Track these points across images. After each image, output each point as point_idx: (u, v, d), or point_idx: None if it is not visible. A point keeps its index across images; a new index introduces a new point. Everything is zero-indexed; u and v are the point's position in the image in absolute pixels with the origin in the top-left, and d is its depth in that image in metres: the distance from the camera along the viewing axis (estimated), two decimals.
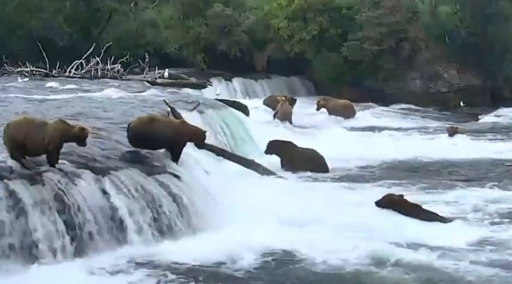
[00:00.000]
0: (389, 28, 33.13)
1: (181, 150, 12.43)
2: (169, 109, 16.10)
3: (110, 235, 10.23)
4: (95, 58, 32.02)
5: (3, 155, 10.29)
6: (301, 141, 18.09)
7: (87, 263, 9.60)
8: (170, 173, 11.85)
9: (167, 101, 16.86)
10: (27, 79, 27.68)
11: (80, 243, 9.80)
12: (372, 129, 24.96)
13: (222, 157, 15.57)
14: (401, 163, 18.68)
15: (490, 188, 15.33)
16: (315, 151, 17.30)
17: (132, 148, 12.23)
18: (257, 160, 16.11)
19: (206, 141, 13.94)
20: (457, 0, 35.10)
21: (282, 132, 21.52)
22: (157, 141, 12.13)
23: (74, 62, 31.73)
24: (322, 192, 14.69)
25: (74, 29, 38.14)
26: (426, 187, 15.56)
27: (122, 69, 31.94)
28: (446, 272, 9.97)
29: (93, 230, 10.01)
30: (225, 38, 36.31)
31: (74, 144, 10.74)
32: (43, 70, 31.13)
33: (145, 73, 32.30)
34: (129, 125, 12.42)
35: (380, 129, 25.08)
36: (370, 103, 31.97)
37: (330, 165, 17.22)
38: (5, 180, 9.56)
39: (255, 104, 26.77)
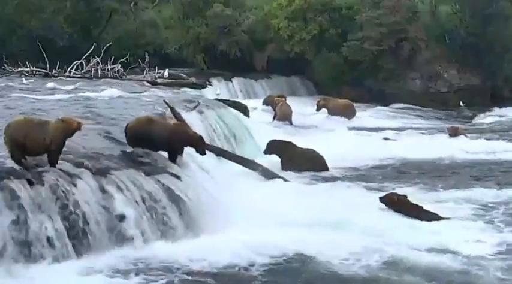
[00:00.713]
0: (389, 28, 33.13)
1: (177, 152, 12.38)
2: (169, 109, 16.09)
3: (110, 236, 10.21)
4: (95, 58, 32.05)
5: (3, 155, 10.28)
6: (301, 141, 18.10)
7: (87, 264, 9.59)
8: (170, 173, 11.83)
9: (167, 101, 16.85)
10: (33, 80, 27.70)
11: (79, 243, 9.79)
12: (371, 129, 24.94)
13: (222, 158, 15.57)
14: (401, 163, 18.68)
15: (490, 188, 15.30)
16: (314, 151, 17.30)
17: (132, 148, 12.22)
18: (257, 160, 16.11)
19: (206, 142, 13.97)
20: (457, 0, 35.09)
21: (282, 132, 21.53)
22: (154, 142, 12.11)
23: (74, 62, 31.76)
24: (322, 192, 14.70)
25: (74, 29, 38.16)
26: (426, 187, 15.55)
27: (122, 69, 31.97)
28: (448, 272, 9.98)
29: (92, 230, 10.00)
30: (225, 38, 36.31)
31: (74, 144, 10.73)
32: (43, 70, 31.16)
33: (145, 73, 32.34)
34: (127, 125, 12.41)
35: (380, 129, 25.07)
36: (370, 104, 31.96)
37: (329, 165, 17.22)
38: (5, 180, 9.55)
39: (255, 104, 26.77)
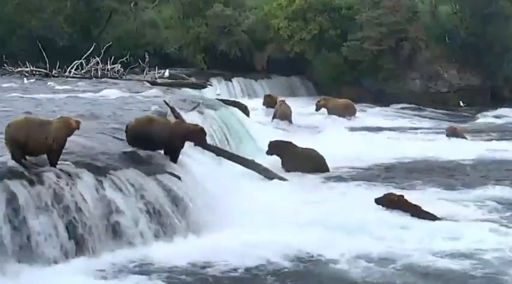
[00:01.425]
0: (389, 28, 33.13)
1: (179, 150, 12.40)
2: (169, 109, 16.10)
3: (110, 236, 10.22)
4: (95, 58, 32.05)
5: (3, 155, 10.28)
6: (301, 141, 18.09)
7: (87, 264, 9.60)
8: (170, 173, 11.83)
9: (167, 101, 16.86)
10: (34, 80, 27.70)
11: (79, 243, 9.79)
12: (371, 129, 24.95)
13: (222, 158, 15.57)
14: (401, 163, 18.67)
15: (489, 188, 15.30)
16: (315, 151, 17.30)
17: (132, 148, 12.22)
18: (257, 160, 16.11)
19: (206, 142, 13.96)
20: (457, 0, 35.10)
21: (281, 132, 21.54)
22: (155, 142, 12.12)
23: (74, 62, 31.77)
24: (322, 192, 14.71)
25: (74, 29, 38.18)
26: (425, 187, 15.54)
27: (122, 69, 31.99)
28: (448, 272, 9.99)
29: (92, 230, 10.00)
30: (225, 38, 36.31)
31: (74, 144, 10.72)
32: (43, 70, 31.17)
33: (145, 73, 32.34)
34: (127, 126, 12.41)
35: (380, 129, 25.09)
36: (370, 103, 31.96)
37: (330, 165, 17.21)
38: (5, 180, 9.55)
39: (255, 104, 26.76)
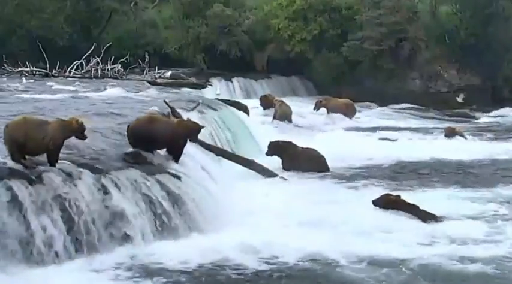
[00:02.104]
0: (389, 28, 33.13)
1: (181, 150, 12.42)
2: (169, 109, 16.11)
3: (110, 235, 10.22)
4: (95, 58, 32.08)
5: (3, 155, 10.28)
6: (301, 141, 18.09)
7: (87, 263, 9.60)
8: (170, 173, 11.84)
9: (167, 101, 16.86)
10: (33, 81, 27.68)
11: (79, 243, 9.79)
12: (371, 129, 24.95)
13: (222, 157, 15.57)
14: (401, 163, 18.67)
15: (489, 188, 15.31)
16: (315, 150, 17.30)
17: (133, 148, 12.22)
18: (257, 160, 16.11)
19: (207, 141, 13.99)
20: (457, 0, 35.10)
21: (282, 132, 21.53)
22: (157, 142, 12.13)
23: (74, 62, 31.80)
24: (323, 192, 14.71)
25: (74, 29, 38.21)
26: (425, 187, 15.55)
27: (122, 69, 32.04)
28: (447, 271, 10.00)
29: (92, 230, 10.00)
30: (225, 38, 36.31)
31: (74, 144, 10.72)
32: (43, 70, 31.21)
33: (145, 73, 32.38)
34: (128, 126, 12.41)
35: (379, 129, 25.07)
36: (370, 103, 31.96)
37: (330, 165, 17.22)
38: (5, 180, 9.55)
39: (255, 104, 26.76)
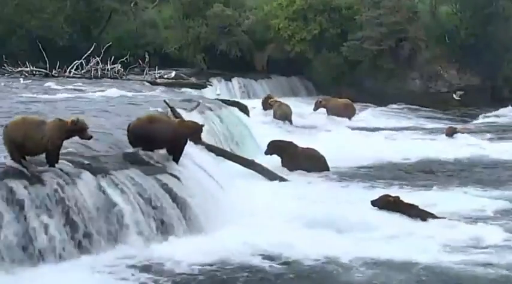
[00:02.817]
0: (389, 28, 33.11)
1: (182, 149, 12.43)
2: (169, 109, 16.11)
3: (110, 235, 10.22)
4: (95, 58, 32.07)
5: (3, 155, 10.28)
6: (302, 141, 18.09)
7: (87, 263, 9.60)
8: (170, 173, 11.84)
9: (167, 101, 16.87)
10: (30, 81, 27.63)
11: (80, 243, 9.80)
12: (371, 129, 24.95)
13: (222, 157, 15.57)
14: (401, 163, 18.68)
15: (489, 188, 15.31)
16: (315, 150, 17.30)
17: (132, 148, 12.22)
18: (257, 160, 16.11)
19: (207, 141, 13.98)
20: (457, 0, 35.09)
21: (282, 132, 21.54)
22: (157, 141, 12.13)
23: (74, 62, 31.78)
24: (322, 192, 14.71)
25: (74, 29, 38.19)
26: (425, 187, 15.55)
27: (122, 69, 32.02)
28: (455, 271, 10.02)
29: (93, 230, 10.01)
30: (225, 38, 36.30)
31: (73, 144, 10.71)
32: (43, 70, 31.19)
33: (145, 73, 32.37)
34: (129, 126, 12.41)
35: (380, 129, 25.08)
36: (369, 103, 31.96)
37: (330, 165, 17.21)
38: (5, 180, 9.56)
39: (255, 104, 26.76)
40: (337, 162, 17.67)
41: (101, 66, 31.68)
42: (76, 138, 10.72)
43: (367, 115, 29.19)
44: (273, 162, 16.72)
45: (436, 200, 13.97)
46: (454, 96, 33.20)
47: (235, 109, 21.28)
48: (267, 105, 26.34)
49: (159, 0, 41.76)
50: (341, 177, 16.60)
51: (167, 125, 12.39)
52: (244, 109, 22.20)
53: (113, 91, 22.59)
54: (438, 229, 11.87)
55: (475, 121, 29.03)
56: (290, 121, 24.68)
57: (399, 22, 33.28)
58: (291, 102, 27.29)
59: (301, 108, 28.07)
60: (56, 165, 10.31)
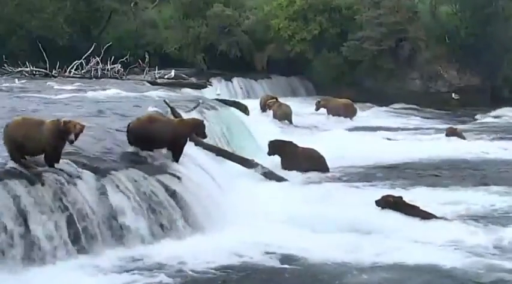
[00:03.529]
0: (389, 28, 33.14)
1: (182, 149, 12.43)
2: (169, 109, 16.11)
3: (110, 235, 10.22)
4: (95, 58, 32.08)
5: (3, 155, 10.29)
6: (302, 141, 18.09)
7: (87, 263, 9.60)
8: (170, 173, 11.84)
9: (167, 101, 16.87)
10: (25, 81, 27.54)
11: (80, 243, 9.79)
12: (371, 129, 24.95)
13: (222, 157, 15.57)
14: (401, 163, 18.64)
15: (489, 188, 15.30)
16: (315, 150, 17.29)
17: (132, 148, 12.23)
18: (257, 160, 16.11)
19: (207, 142, 13.98)
20: (457, 0, 35.11)
21: (281, 132, 21.54)
22: (157, 141, 12.14)
23: (74, 62, 31.80)
24: (322, 192, 14.70)
25: (74, 29, 38.24)
26: (424, 187, 15.53)
27: (122, 69, 32.03)
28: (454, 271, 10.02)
29: (93, 230, 10.01)
30: (225, 38, 36.33)
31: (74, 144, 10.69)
32: (43, 70, 31.21)
33: (145, 73, 32.39)
34: (128, 125, 12.42)
35: (380, 129, 25.08)
36: (369, 104, 31.97)
37: (329, 165, 17.21)
38: (5, 180, 9.56)
39: (255, 104, 26.76)
40: (337, 162, 17.66)
41: (101, 66, 31.70)
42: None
43: (367, 115, 29.21)
44: (273, 162, 16.71)
45: (436, 200, 13.95)
46: (453, 95, 33.23)
47: (235, 110, 21.28)
48: (264, 106, 26.31)
49: (159, 0, 41.79)
50: (340, 177, 16.58)
51: (167, 125, 12.39)
52: (244, 109, 22.20)
53: (113, 92, 22.58)
54: (439, 230, 11.85)
55: (475, 121, 29.03)
56: (290, 121, 24.68)
57: (399, 22, 33.32)
58: (291, 102, 27.28)
59: (301, 108, 28.07)
60: (56, 165, 10.31)
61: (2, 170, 9.88)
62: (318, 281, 9.73)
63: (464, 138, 22.55)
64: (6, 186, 9.46)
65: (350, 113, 27.52)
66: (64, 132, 10.08)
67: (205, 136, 13.33)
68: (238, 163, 15.81)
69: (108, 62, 31.94)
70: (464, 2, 34.61)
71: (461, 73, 34.46)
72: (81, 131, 10.22)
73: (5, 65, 31.94)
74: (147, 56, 34.98)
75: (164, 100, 17.11)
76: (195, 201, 11.60)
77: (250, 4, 39.84)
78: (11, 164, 10.05)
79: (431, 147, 20.99)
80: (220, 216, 11.73)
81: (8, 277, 8.77)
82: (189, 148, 13.11)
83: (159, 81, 30.16)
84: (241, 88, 34.08)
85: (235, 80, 34.52)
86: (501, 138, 23.24)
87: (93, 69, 31.59)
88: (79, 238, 9.80)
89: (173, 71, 32.30)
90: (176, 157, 12.29)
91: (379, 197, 13.12)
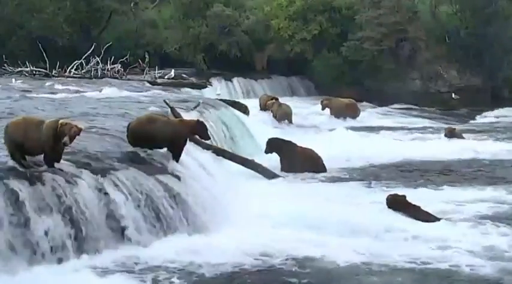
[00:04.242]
0: (389, 28, 33.16)
1: (182, 149, 12.43)
2: (169, 109, 16.12)
3: (110, 235, 10.21)
4: (95, 58, 32.10)
5: (3, 155, 10.29)
6: (302, 141, 18.08)
7: (87, 263, 9.59)
8: (170, 173, 11.84)
9: (167, 101, 16.87)
10: (21, 81, 27.48)
11: (80, 243, 9.79)
12: (371, 129, 24.96)
13: (222, 157, 15.57)
14: (400, 163, 18.66)
15: (489, 188, 15.30)
16: (313, 151, 17.28)
17: (132, 148, 12.23)
18: (257, 160, 16.12)
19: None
20: (457, 0, 35.12)
21: (281, 132, 21.53)
22: (157, 141, 12.14)
23: (74, 62, 31.82)
24: (322, 192, 14.70)
25: (74, 29, 38.24)
26: (424, 187, 15.53)
27: (122, 69, 32.05)
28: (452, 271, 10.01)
29: (93, 230, 10.00)
30: (225, 38, 36.34)
31: (74, 143, 10.69)
32: (43, 70, 31.25)
33: (145, 73, 32.42)
34: (128, 125, 12.42)
35: (380, 129, 25.09)
36: (369, 104, 31.97)
37: (329, 165, 17.21)
38: (5, 180, 9.56)
39: (254, 104, 26.77)
40: (336, 162, 17.67)
41: (101, 66, 31.74)
42: (76, 138, 10.68)
43: (367, 115, 29.19)
44: (273, 162, 16.71)
45: (436, 200, 13.96)
46: (453, 95, 33.25)
47: (235, 110, 21.28)
48: (264, 106, 26.33)
49: (159, 0, 41.79)
50: (340, 178, 16.59)
51: (167, 125, 12.38)
52: (244, 109, 22.21)
53: (113, 91, 22.60)
54: (439, 230, 11.85)
55: (474, 122, 29.04)
56: (290, 121, 24.69)
57: (399, 22, 33.34)
58: (290, 102, 27.28)
59: (301, 108, 28.06)
60: (56, 165, 10.30)
61: (2, 170, 9.89)
62: (316, 282, 9.73)
63: (463, 138, 22.54)
64: (7, 186, 9.45)
65: (353, 112, 27.51)
66: (62, 133, 10.06)
67: (208, 138, 13.30)
68: (239, 163, 15.82)
69: (108, 62, 31.97)
70: (464, 2, 34.63)
71: (461, 73, 34.47)
72: (78, 134, 10.17)
73: (5, 65, 31.96)
74: (147, 56, 34.99)
75: (164, 100, 17.12)
76: (195, 200, 11.60)
77: (250, 4, 39.86)
78: (12, 164, 10.05)
79: (432, 147, 20.98)
80: (220, 216, 11.72)
81: (8, 277, 8.77)
82: (189, 148, 13.11)
83: (159, 81, 30.19)
84: (241, 89, 34.08)
85: (235, 80, 34.53)
86: (501, 138, 23.24)
87: (93, 69, 31.63)
88: (79, 238, 9.80)
89: (173, 70, 32.35)
90: (176, 157, 12.28)
91: (378, 197, 13.13)
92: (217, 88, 31.19)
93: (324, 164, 17.11)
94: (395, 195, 13.17)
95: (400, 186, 15.57)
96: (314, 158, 17.11)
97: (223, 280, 9.64)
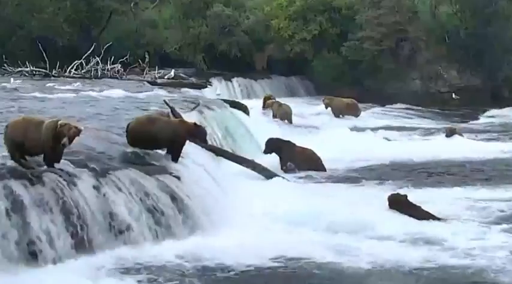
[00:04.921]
0: (389, 28, 33.18)
1: (181, 149, 12.42)
2: (169, 109, 16.10)
3: (110, 235, 10.21)
4: (95, 58, 32.10)
5: (3, 155, 10.29)
6: (301, 141, 18.08)
7: (87, 263, 9.58)
8: (170, 173, 11.83)
9: (167, 101, 16.86)
10: (20, 81, 27.42)
11: (79, 243, 9.78)
12: (371, 129, 24.92)
13: (222, 157, 15.57)
14: (400, 163, 18.65)
15: (489, 188, 15.29)
16: (312, 151, 17.28)
17: (132, 149, 12.22)
18: (257, 160, 16.11)
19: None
20: (457, 0, 35.13)
21: (281, 132, 21.51)
22: (157, 141, 12.13)
23: (74, 62, 31.81)
24: (321, 192, 14.70)
25: (74, 29, 38.26)
26: (424, 187, 15.53)
27: (122, 69, 32.05)
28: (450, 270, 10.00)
29: (93, 230, 10.00)
30: (225, 38, 36.36)
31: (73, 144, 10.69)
32: (43, 70, 31.24)
33: (145, 73, 32.43)
34: (128, 126, 12.42)
35: (379, 128, 25.07)
36: (370, 104, 31.96)
37: (329, 165, 17.21)
38: (5, 180, 9.56)
39: (255, 104, 26.76)
40: (335, 162, 17.67)
41: (101, 66, 31.74)
42: (76, 138, 10.67)
43: (367, 115, 29.18)
44: (273, 162, 16.70)
45: (436, 200, 13.95)
46: (453, 95, 33.27)
47: (235, 110, 21.27)
48: (265, 104, 26.35)
49: (159, 0, 41.79)
50: (341, 177, 16.59)
51: (166, 125, 12.37)
52: (243, 109, 22.19)
53: (113, 91, 22.59)
54: (440, 230, 11.85)
55: (475, 122, 29.04)
56: (290, 121, 24.68)
57: (399, 22, 33.36)
58: (290, 102, 27.27)
59: (301, 108, 28.05)
60: (56, 165, 10.30)
61: (2, 170, 9.88)
62: (316, 282, 9.73)
63: (463, 138, 22.53)
64: (6, 186, 9.45)
65: (354, 112, 27.52)
66: (61, 134, 10.03)
67: (205, 143, 13.35)
68: (238, 163, 15.81)
69: (108, 62, 31.96)
70: (464, 2, 34.64)
71: (461, 73, 34.49)
72: (77, 135, 10.13)
73: (5, 65, 31.96)
74: (147, 56, 34.99)
75: (164, 100, 17.11)
76: (195, 201, 11.59)
77: (250, 4, 39.87)
78: (12, 164, 10.05)
79: (432, 146, 20.98)
80: (220, 216, 11.71)
81: (8, 278, 8.76)
82: (189, 148, 13.10)
83: (159, 81, 30.20)
84: (241, 89, 34.07)
85: (235, 80, 34.52)
86: (501, 138, 23.24)
87: (93, 69, 31.63)
88: (79, 238, 9.79)
89: (173, 70, 32.35)
90: (175, 158, 12.28)
91: (378, 197, 13.13)
92: (217, 88, 31.19)
93: (323, 164, 17.11)
94: (397, 195, 13.16)
95: (401, 185, 15.57)
96: (314, 158, 17.11)
97: (223, 280, 9.63)
